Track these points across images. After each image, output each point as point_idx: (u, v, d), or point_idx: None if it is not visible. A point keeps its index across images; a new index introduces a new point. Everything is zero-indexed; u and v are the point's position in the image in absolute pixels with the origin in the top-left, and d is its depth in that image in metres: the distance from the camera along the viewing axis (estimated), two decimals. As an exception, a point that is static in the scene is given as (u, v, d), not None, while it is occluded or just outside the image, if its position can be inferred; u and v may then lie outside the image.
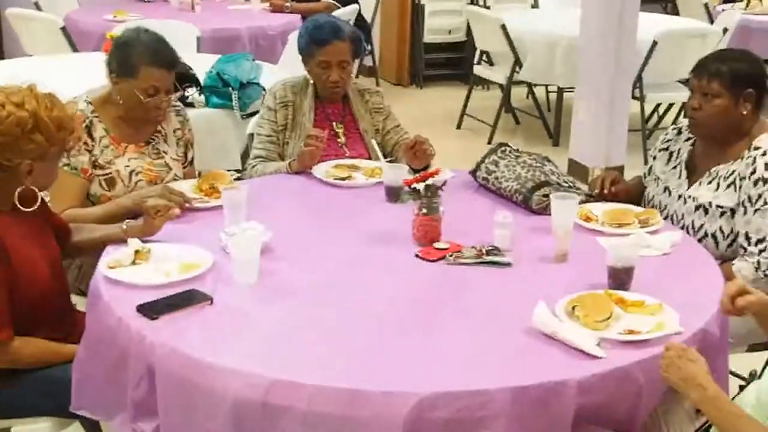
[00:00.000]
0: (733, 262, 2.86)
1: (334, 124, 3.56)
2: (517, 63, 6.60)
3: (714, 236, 2.92)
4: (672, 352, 2.01)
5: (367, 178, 3.28)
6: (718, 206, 2.91)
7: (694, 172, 3.03)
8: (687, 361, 1.99)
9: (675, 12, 8.81)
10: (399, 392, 1.92)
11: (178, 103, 3.39)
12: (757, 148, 2.86)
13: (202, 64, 4.31)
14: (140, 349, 2.14)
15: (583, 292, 2.32)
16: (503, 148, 3.23)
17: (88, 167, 3.04)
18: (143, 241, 2.57)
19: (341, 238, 2.78)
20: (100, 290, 2.37)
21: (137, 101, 3.04)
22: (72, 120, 2.49)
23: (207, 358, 2.04)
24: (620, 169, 5.56)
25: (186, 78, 4.01)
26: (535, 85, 7.37)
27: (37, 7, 6.84)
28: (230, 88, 4.13)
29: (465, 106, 7.29)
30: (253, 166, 3.44)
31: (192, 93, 4.12)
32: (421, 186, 2.68)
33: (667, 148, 3.17)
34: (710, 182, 2.95)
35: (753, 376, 2.18)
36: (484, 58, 7.30)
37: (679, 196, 3.02)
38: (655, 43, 6.10)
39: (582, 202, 2.92)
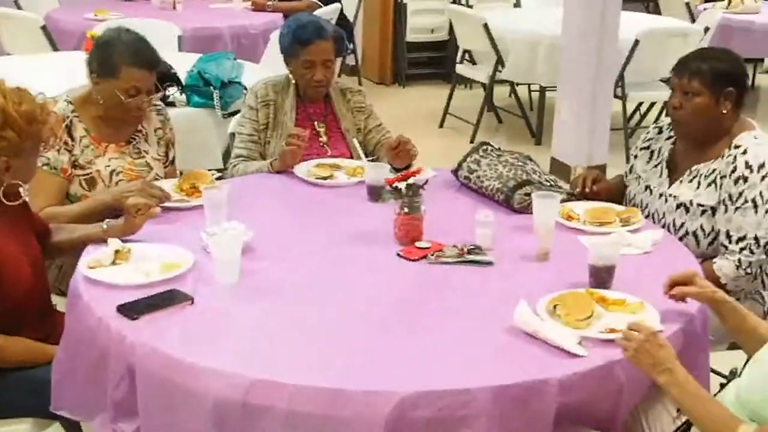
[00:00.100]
0: (714, 260, 2.87)
1: (315, 123, 3.55)
2: (500, 62, 6.61)
3: (695, 234, 2.93)
4: (641, 336, 2.01)
5: (349, 177, 3.27)
6: (698, 205, 2.92)
7: (675, 170, 3.04)
8: (656, 346, 2.00)
9: (657, 11, 8.83)
10: (380, 391, 1.92)
11: (159, 103, 3.36)
12: (737, 147, 2.87)
13: (183, 63, 4.29)
14: (120, 349, 2.13)
15: (564, 291, 2.32)
16: (485, 147, 3.23)
17: (67, 167, 3.03)
18: (123, 241, 2.56)
19: (323, 238, 2.78)
20: (79, 290, 2.35)
21: (118, 101, 3.03)
22: (45, 112, 2.46)
23: (188, 358, 2.04)
24: (602, 168, 5.57)
25: (167, 77, 4.00)
26: (518, 84, 7.39)
27: (17, 6, 6.81)
28: (211, 87, 4.13)
29: (447, 105, 7.29)
30: (235, 166, 3.43)
31: (173, 92, 4.11)
32: (402, 185, 2.67)
33: (648, 147, 3.17)
34: (691, 181, 2.96)
35: (733, 374, 2.19)
36: (467, 57, 7.30)
37: (660, 195, 3.03)
38: (637, 42, 6.12)
39: (564, 200, 2.92)
